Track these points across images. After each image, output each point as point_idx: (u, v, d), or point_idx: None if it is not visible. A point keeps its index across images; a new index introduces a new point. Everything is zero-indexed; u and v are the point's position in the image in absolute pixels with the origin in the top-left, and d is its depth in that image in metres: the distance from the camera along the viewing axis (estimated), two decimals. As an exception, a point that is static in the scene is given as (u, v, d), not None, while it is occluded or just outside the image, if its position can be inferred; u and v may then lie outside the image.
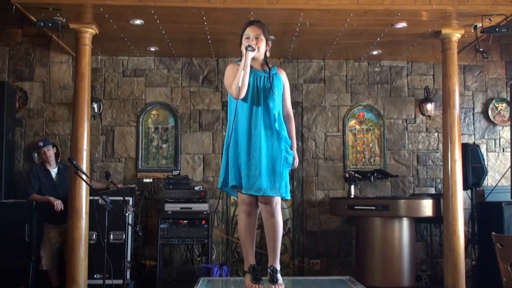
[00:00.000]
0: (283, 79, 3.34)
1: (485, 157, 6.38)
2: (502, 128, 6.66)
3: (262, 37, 3.24)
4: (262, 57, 3.29)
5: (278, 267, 3.33)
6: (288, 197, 3.27)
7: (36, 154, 6.23)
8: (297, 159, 3.33)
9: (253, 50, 3.15)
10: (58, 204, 5.36)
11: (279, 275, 3.31)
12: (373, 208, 5.58)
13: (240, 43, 3.25)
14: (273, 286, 3.27)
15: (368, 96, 6.66)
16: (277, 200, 3.25)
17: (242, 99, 3.16)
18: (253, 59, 3.23)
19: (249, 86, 3.18)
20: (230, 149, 3.21)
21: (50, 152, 5.63)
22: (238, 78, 3.10)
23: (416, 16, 5.01)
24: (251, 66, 3.21)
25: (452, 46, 5.36)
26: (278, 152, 3.18)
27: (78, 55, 5.20)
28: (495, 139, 6.67)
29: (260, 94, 3.21)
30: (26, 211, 5.26)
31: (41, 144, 5.66)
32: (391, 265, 5.57)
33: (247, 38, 3.22)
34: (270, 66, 3.31)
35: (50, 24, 4.76)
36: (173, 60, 6.57)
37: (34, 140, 6.30)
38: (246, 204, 3.31)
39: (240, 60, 3.19)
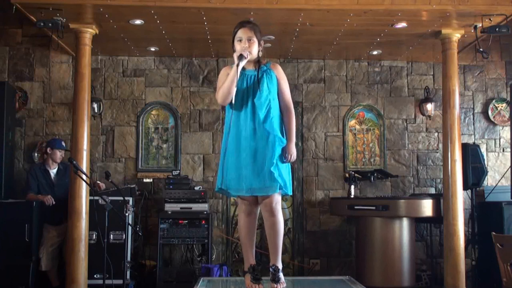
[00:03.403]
0: (276, 73, 3.28)
1: (485, 157, 6.38)
2: (502, 128, 6.66)
3: (254, 39, 3.23)
4: (254, 57, 3.27)
5: (280, 266, 3.33)
6: (290, 192, 3.23)
7: (36, 153, 6.23)
8: (294, 153, 3.24)
9: (245, 58, 3.14)
10: (48, 199, 5.36)
11: (281, 274, 3.30)
12: (373, 208, 5.58)
13: (232, 44, 3.25)
14: (276, 285, 3.25)
15: (368, 96, 6.66)
16: (277, 199, 3.24)
17: (234, 100, 3.18)
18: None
19: (238, 89, 3.18)
20: (227, 151, 3.22)
21: (62, 156, 5.67)
22: (225, 87, 3.12)
23: (416, 16, 5.01)
24: (243, 68, 3.20)
25: (452, 46, 5.36)
26: (267, 150, 3.13)
27: (78, 55, 5.20)
28: (495, 139, 6.67)
29: (249, 94, 3.20)
30: (26, 211, 5.26)
31: (64, 144, 5.68)
32: (391, 265, 5.57)
33: (239, 40, 3.22)
34: (263, 63, 3.29)
35: (50, 24, 4.76)
36: (173, 60, 6.57)
37: (34, 140, 6.31)
38: (246, 203, 3.32)
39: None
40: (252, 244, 3.41)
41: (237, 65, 3.11)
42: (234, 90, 3.12)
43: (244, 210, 3.34)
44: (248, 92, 3.21)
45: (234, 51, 3.23)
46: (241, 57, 3.13)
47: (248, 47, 3.19)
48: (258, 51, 3.27)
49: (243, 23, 3.28)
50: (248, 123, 3.17)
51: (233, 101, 3.13)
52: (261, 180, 3.13)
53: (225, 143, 3.25)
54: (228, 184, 3.21)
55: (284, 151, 3.20)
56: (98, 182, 5.72)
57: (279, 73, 3.32)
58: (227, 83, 3.12)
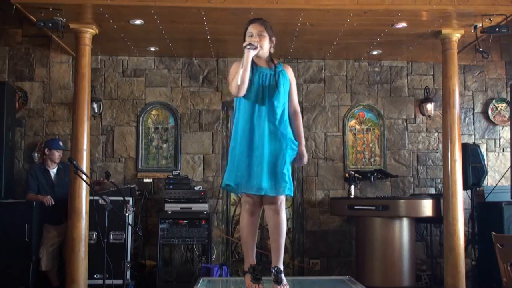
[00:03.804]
0: (289, 75, 3.31)
1: (485, 157, 6.38)
2: (502, 128, 6.66)
3: (265, 34, 3.23)
4: (266, 54, 3.27)
5: (282, 267, 3.31)
6: (291, 194, 3.24)
7: (36, 153, 6.23)
8: (306, 156, 3.32)
9: (255, 48, 3.13)
10: (48, 200, 5.36)
11: (283, 275, 3.29)
12: (373, 208, 5.58)
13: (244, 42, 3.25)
14: (278, 287, 3.24)
15: (368, 96, 6.66)
16: (282, 199, 3.25)
17: (246, 98, 3.16)
18: (258, 57, 3.22)
19: (253, 84, 3.17)
20: (235, 147, 3.20)
21: (61, 156, 5.67)
22: (238, 76, 3.09)
23: (416, 16, 5.01)
24: (256, 64, 3.21)
25: (452, 46, 5.36)
26: (280, 151, 3.15)
27: (78, 55, 5.19)
28: (495, 139, 6.67)
29: (265, 92, 3.19)
30: (26, 211, 5.26)
31: (61, 144, 5.68)
32: (391, 265, 5.57)
33: (250, 36, 3.22)
34: (276, 62, 3.30)
35: (50, 24, 4.76)
36: (173, 60, 6.57)
37: (34, 140, 6.31)
38: (250, 204, 3.29)
39: None
40: (254, 244, 3.39)
41: (246, 54, 3.09)
42: (247, 79, 3.10)
43: (248, 210, 3.31)
44: (263, 90, 3.19)
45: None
46: (249, 45, 3.12)
47: (259, 41, 3.19)
48: (270, 47, 3.28)
49: (254, 19, 3.30)
50: (262, 122, 3.15)
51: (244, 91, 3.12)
52: (273, 180, 3.13)
53: (235, 139, 3.22)
54: (239, 181, 3.17)
55: (299, 154, 3.26)
56: (101, 179, 5.75)
57: (292, 76, 3.35)
58: (241, 72, 3.09)
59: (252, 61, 3.16)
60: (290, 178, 3.19)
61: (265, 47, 3.23)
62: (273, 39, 3.30)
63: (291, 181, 3.20)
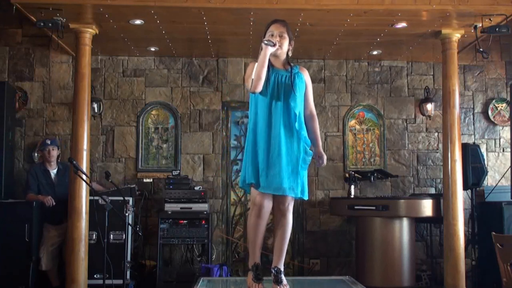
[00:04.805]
0: (305, 78, 3.33)
1: (485, 157, 6.38)
2: (502, 128, 6.66)
3: (286, 36, 3.26)
4: (284, 56, 3.29)
5: (282, 268, 3.32)
6: (306, 197, 3.28)
7: (36, 153, 6.22)
8: (325, 157, 3.39)
9: (273, 45, 3.14)
10: (49, 200, 5.36)
11: (283, 276, 3.30)
12: (373, 208, 5.58)
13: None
14: (278, 287, 3.25)
15: (368, 96, 6.66)
16: (291, 200, 3.27)
17: (262, 96, 3.17)
18: (276, 57, 3.24)
19: (269, 84, 3.18)
20: (249, 147, 3.21)
21: (55, 152, 5.64)
22: (256, 73, 3.09)
23: (416, 16, 5.01)
24: (272, 65, 3.22)
25: (452, 46, 5.36)
26: (297, 152, 3.19)
27: (78, 55, 5.20)
28: (495, 139, 6.67)
29: (280, 93, 3.20)
30: (26, 211, 5.25)
31: (48, 142, 5.65)
32: (391, 265, 5.57)
33: (271, 35, 3.24)
34: (292, 65, 3.31)
35: (50, 24, 4.76)
36: (173, 60, 6.57)
37: (34, 140, 6.30)
38: (258, 206, 3.27)
39: None
40: (260, 244, 3.36)
41: (264, 50, 3.10)
42: (264, 74, 3.10)
43: (256, 213, 3.29)
44: (279, 91, 3.21)
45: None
46: (268, 41, 3.13)
47: (279, 40, 3.21)
48: (288, 50, 3.29)
49: (276, 20, 3.32)
50: (279, 122, 3.17)
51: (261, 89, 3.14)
52: (290, 180, 3.17)
53: (253, 138, 3.22)
54: (260, 180, 3.16)
55: (317, 156, 3.35)
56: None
57: (308, 79, 3.37)
58: (258, 67, 3.09)
59: (269, 62, 3.17)
60: (305, 182, 3.25)
61: (284, 48, 3.26)
62: (292, 42, 3.32)
63: (306, 184, 3.26)
